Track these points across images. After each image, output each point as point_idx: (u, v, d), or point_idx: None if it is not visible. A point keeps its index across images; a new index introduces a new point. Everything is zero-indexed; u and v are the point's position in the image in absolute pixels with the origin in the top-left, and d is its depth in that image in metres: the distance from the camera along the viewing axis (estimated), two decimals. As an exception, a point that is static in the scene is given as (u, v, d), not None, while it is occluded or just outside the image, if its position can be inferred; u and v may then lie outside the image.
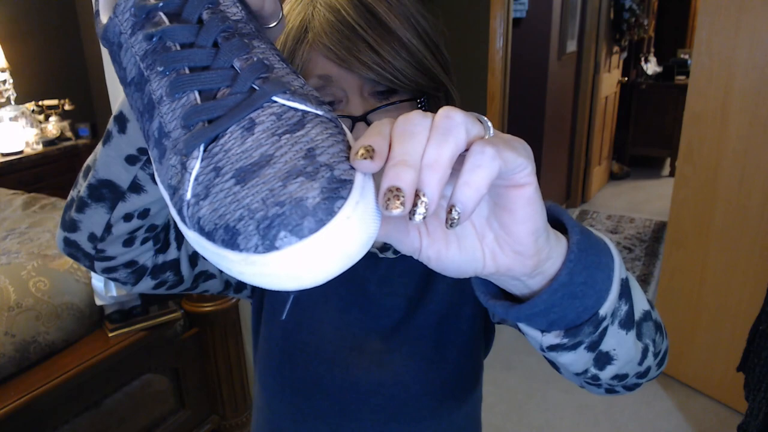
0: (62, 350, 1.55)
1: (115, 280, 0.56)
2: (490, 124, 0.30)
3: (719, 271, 2.14)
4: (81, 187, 0.49)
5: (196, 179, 0.29)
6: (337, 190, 0.26)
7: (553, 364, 0.42)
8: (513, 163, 0.28)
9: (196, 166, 0.29)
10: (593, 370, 0.38)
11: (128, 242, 0.52)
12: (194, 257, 0.60)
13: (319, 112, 0.30)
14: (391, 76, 0.51)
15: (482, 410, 0.73)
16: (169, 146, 0.31)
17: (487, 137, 0.29)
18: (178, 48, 0.31)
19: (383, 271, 0.63)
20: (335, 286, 0.64)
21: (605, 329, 0.36)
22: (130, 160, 0.45)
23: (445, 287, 0.63)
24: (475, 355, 0.65)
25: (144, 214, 0.50)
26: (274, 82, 0.30)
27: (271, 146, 0.28)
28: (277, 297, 0.65)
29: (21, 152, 3.03)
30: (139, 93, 0.33)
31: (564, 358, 0.37)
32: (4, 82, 3.09)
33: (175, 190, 0.30)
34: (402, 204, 0.26)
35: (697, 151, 2.12)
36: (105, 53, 1.81)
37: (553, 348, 0.36)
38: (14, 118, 3.07)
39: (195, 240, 0.29)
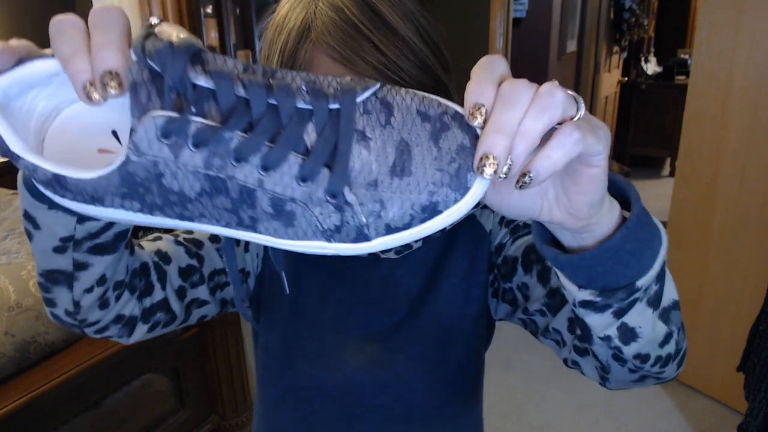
0: (62, 350, 1.55)
1: (109, 337, 0.56)
2: (583, 105, 0.33)
3: (719, 271, 2.14)
4: (37, 275, 0.50)
5: (361, 205, 0.32)
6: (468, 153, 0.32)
7: (582, 328, 0.44)
8: (593, 149, 0.32)
9: (353, 197, 0.31)
10: (616, 342, 0.40)
11: (103, 305, 0.52)
12: (181, 290, 0.59)
13: (372, 87, 0.33)
14: (395, 76, 0.51)
15: (483, 409, 0.73)
16: (299, 208, 0.32)
17: (577, 118, 0.32)
18: (241, 133, 0.31)
19: (385, 271, 0.63)
20: (334, 290, 0.64)
21: (634, 301, 0.38)
22: (58, 249, 0.45)
23: (450, 288, 0.63)
24: (478, 354, 0.66)
25: (101, 281, 0.49)
26: (343, 91, 0.32)
27: (390, 138, 0.32)
28: (274, 302, 0.65)
29: (21, 152, 3.03)
30: (219, 196, 0.32)
31: (590, 318, 0.39)
32: (4, 82, 3.09)
33: (337, 229, 0.32)
34: (495, 170, 0.30)
35: (697, 151, 2.12)
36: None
37: (584, 304, 0.39)
38: (14, 118, 3.07)
39: (384, 242, 0.33)
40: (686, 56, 5.43)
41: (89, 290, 0.49)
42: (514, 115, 0.30)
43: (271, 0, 2.71)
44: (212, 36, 2.52)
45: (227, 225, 0.34)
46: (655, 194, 4.79)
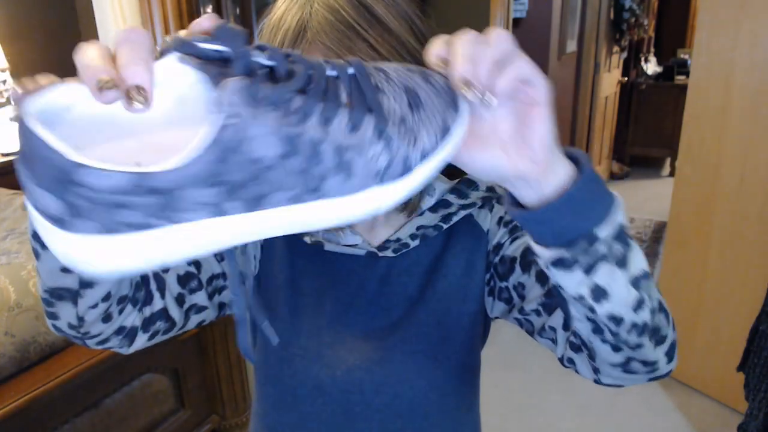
0: (62, 350, 1.55)
1: (110, 348, 0.57)
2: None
3: (719, 271, 2.14)
4: (41, 290, 0.50)
5: (400, 137, 0.38)
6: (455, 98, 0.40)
7: (560, 301, 0.47)
8: (532, 75, 0.40)
9: (394, 131, 0.38)
10: (589, 300, 0.43)
11: (106, 319, 0.52)
12: (180, 297, 0.60)
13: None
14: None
15: (482, 411, 0.74)
16: (355, 155, 0.37)
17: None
18: (302, 95, 0.36)
19: (383, 270, 0.64)
20: (331, 290, 0.64)
21: (600, 257, 0.41)
22: (66, 269, 0.46)
23: (447, 287, 0.64)
24: (476, 351, 0.67)
25: (106, 297, 0.50)
26: (350, 62, 0.38)
27: (396, 86, 0.39)
28: (272, 303, 0.65)
29: (21, 152, 3.03)
30: (293, 157, 0.35)
31: (563, 279, 0.43)
32: (4, 82, 3.09)
33: (387, 167, 0.38)
34: (472, 92, 0.37)
35: (697, 151, 2.12)
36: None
37: (555, 264, 0.42)
38: (14, 118, 3.07)
39: (422, 172, 0.39)
40: (686, 56, 5.43)
41: (94, 306, 0.50)
42: (473, 49, 0.38)
43: (271, 0, 2.72)
44: (212, 36, 2.53)
45: (297, 197, 0.36)
46: (655, 194, 4.79)
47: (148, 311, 0.57)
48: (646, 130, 5.33)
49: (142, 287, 0.56)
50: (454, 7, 2.48)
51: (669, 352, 0.50)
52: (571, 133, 4.30)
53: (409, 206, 0.62)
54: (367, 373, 0.61)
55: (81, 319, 0.51)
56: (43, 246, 0.44)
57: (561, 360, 0.56)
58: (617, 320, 0.44)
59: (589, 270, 0.42)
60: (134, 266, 0.35)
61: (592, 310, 0.44)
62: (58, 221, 0.33)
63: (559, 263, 0.42)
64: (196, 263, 0.61)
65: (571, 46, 3.82)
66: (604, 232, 0.41)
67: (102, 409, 1.57)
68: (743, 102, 1.95)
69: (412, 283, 0.64)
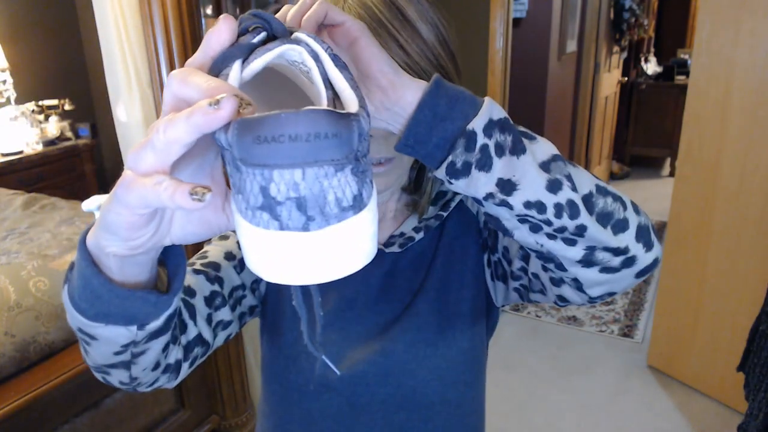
0: (62, 350, 1.55)
1: (159, 387, 0.57)
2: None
3: (719, 271, 2.14)
4: (91, 364, 0.50)
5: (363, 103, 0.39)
6: None
7: (494, 223, 0.48)
8: (339, 17, 0.42)
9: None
10: (500, 195, 0.43)
11: (155, 367, 0.52)
12: (209, 317, 0.60)
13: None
14: (416, 76, 0.51)
15: None
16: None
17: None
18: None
19: (388, 265, 0.65)
20: (336, 287, 0.63)
21: (487, 151, 0.42)
22: (119, 353, 0.46)
23: (444, 273, 0.65)
24: (479, 338, 0.66)
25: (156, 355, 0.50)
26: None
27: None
28: (278, 302, 0.66)
29: (21, 152, 3.03)
30: None
31: (469, 188, 0.43)
32: (4, 82, 3.09)
33: (366, 136, 0.36)
34: None
35: (697, 151, 2.12)
36: (105, 53, 1.81)
37: (449, 173, 0.43)
38: (14, 118, 3.07)
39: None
40: (686, 56, 5.43)
41: (145, 368, 0.51)
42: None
43: (271, 0, 2.71)
44: (212, 36, 2.52)
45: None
46: (655, 194, 4.79)
47: (184, 340, 0.57)
48: (646, 130, 5.32)
49: (177, 320, 0.57)
50: (454, 7, 2.48)
51: (641, 238, 0.49)
52: (571, 133, 4.30)
53: (420, 206, 0.64)
54: (371, 366, 0.62)
55: (134, 378, 0.51)
56: (92, 338, 0.44)
57: (555, 304, 0.58)
58: (538, 206, 0.44)
59: (483, 166, 0.42)
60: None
61: (508, 205, 0.44)
62: (355, 203, 0.32)
63: (452, 173, 0.43)
64: (219, 279, 0.62)
65: (571, 46, 3.82)
66: (479, 124, 0.42)
67: (102, 409, 1.57)
68: (743, 102, 1.95)
69: (415, 276, 0.65)
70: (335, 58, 0.38)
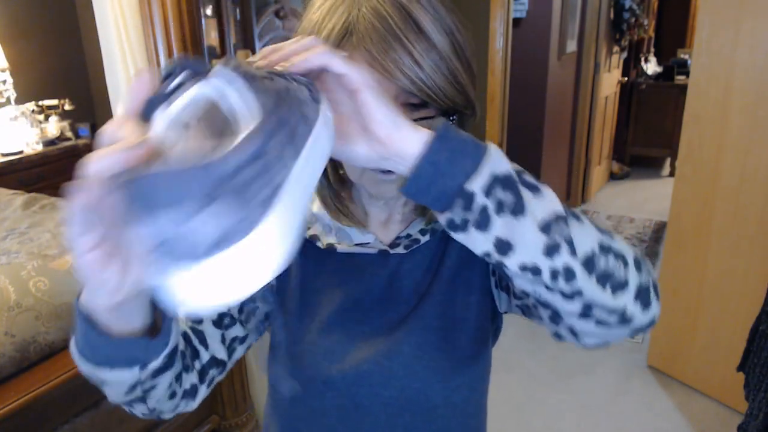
0: (62, 350, 1.55)
1: (180, 411, 0.61)
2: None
3: (719, 271, 2.14)
4: (111, 400, 0.55)
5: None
6: None
7: (501, 271, 0.48)
8: (341, 68, 0.42)
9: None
10: (496, 256, 0.44)
11: (172, 396, 0.57)
12: (222, 338, 0.63)
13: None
14: (430, 91, 0.52)
15: None
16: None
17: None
18: None
19: (393, 267, 0.65)
20: (341, 287, 0.65)
21: (484, 212, 0.42)
22: (129, 392, 0.52)
23: (451, 277, 0.65)
24: (483, 343, 0.66)
25: (169, 386, 0.55)
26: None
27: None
28: (284, 302, 0.67)
29: (21, 152, 3.03)
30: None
31: (468, 242, 0.44)
32: (4, 82, 3.09)
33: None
34: None
35: (697, 151, 2.12)
36: (105, 53, 1.81)
37: (449, 226, 0.44)
38: (14, 118, 3.07)
39: None
40: (686, 56, 5.43)
41: (161, 399, 0.55)
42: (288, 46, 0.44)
43: (271, 0, 2.71)
44: (212, 36, 2.52)
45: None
46: (655, 194, 4.79)
47: (198, 365, 0.60)
48: (646, 130, 5.32)
49: (188, 348, 0.60)
50: (455, 7, 2.48)
51: (640, 298, 0.48)
52: (571, 133, 4.30)
53: (428, 210, 0.64)
54: (376, 366, 0.62)
55: (153, 410, 0.57)
56: (103, 383, 0.50)
57: (553, 336, 0.58)
58: (533, 269, 0.44)
59: (481, 226, 0.43)
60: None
61: (504, 265, 0.44)
62: (220, 241, 0.34)
63: (452, 227, 0.44)
64: None
65: (571, 46, 3.82)
66: (478, 184, 0.42)
67: (102, 409, 1.57)
68: (743, 102, 1.95)
69: (420, 278, 0.65)
70: (250, 80, 0.38)
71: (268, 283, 0.63)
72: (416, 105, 0.54)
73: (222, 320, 0.63)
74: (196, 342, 0.60)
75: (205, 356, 0.61)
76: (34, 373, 1.45)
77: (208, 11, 2.48)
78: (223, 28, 2.39)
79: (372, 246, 0.64)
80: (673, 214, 2.26)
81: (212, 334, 0.62)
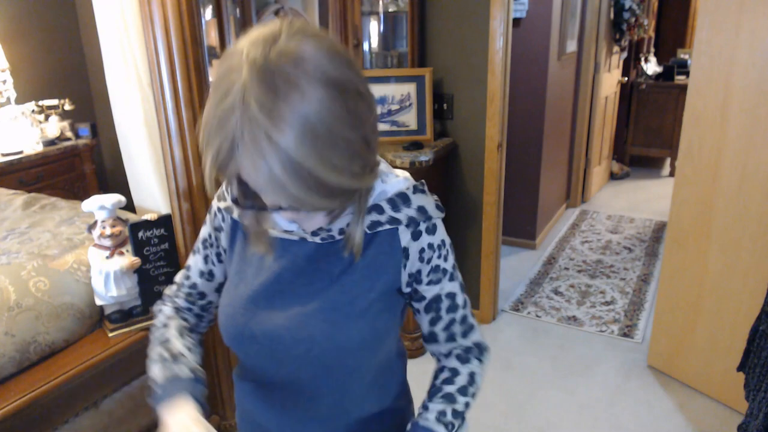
0: (62, 350, 1.55)
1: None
2: None
3: (719, 271, 2.14)
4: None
5: None
6: None
7: None
8: None
9: None
10: None
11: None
12: (216, 289, 0.92)
13: None
14: (303, 210, 0.62)
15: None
16: None
17: None
18: None
19: (310, 252, 0.76)
20: (270, 262, 0.78)
21: None
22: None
23: (359, 276, 0.75)
24: (383, 319, 0.78)
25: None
26: None
27: None
28: (230, 273, 0.85)
29: (21, 152, 3.03)
30: None
31: None
32: (4, 82, 3.09)
33: None
34: None
35: (697, 151, 2.12)
36: (105, 53, 1.81)
37: None
38: (14, 118, 3.07)
39: None
40: (686, 56, 5.43)
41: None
42: None
43: (271, 0, 2.71)
44: (212, 36, 2.51)
45: None
46: (655, 194, 4.79)
47: (208, 316, 0.94)
48: (646, 130, 5.33)
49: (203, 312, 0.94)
50: (454, 7, 2.48)
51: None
52: (571, 133, 4.30)
53: (359, 206, 0.72)
54: (287, 331, 0.75)
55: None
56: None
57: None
58: None
59: None
60: None
61: None
62: None
63: None
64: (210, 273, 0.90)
65: (571, 46, 3.82)
66: None
67: (102, 409, 1.57)
68: (743, 102, 1.95)
69: (333, 265, 0.76)
70: None
71: (221, 247, 0.85)
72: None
73: (211, 278, 0.90)
74: (203, 306, 0.93)
75: (208, 306, 0.93)
76: (34, 373, 1.45)
77: (208, 11, 2.48)
78: (223, 28, 2.39)
79: (295, 233, 0.75)
80: (673, 214, 2.27)
81: (210, 291, 0.91)
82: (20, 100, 3.17)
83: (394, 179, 0.75)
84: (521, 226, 3.77)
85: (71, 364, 1.48)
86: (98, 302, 1.61)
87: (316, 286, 0.76)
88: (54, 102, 3.22)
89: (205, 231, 0.87)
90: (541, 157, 3.58)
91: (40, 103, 3.20)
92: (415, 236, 0.74)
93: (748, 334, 1.48)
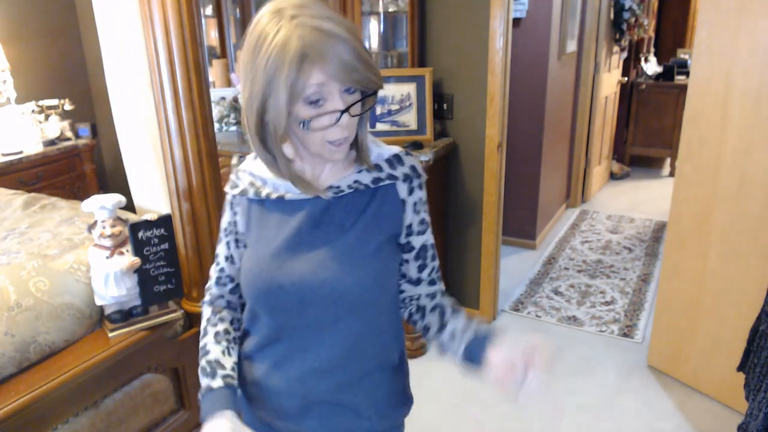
0: (62, 350, 1.55)
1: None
2: None
3: (719, 271, 2.14)
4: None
5: None
6: None
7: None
8: None
9: None
10: None
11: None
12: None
13: None
14: (368, 89, 0.79)
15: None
16: None
17: None
18: None
19: (324, 206, 0.88)
20: (287, 221, 0.89)
21: None
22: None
23: (367, 222, 0.88)
24: (389, 259, 0.92)
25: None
26: None
27: None
28: (249, 239, 0.94)
29: (21, 152, 3.03)
30: None
31: None
32: (4, 82, 3.09)
33: None
34: None
35: (697, 151, 2.12)
36: (105, 53, 1.81)
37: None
38: (14, 118, 3.07)
39: None
40: (686, 56, 5.43)
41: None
42: None
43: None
44: (212, 36, 2.52)
45: None
46: (655, 194, 4.79)
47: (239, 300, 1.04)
48: (646, 130, 5.33)
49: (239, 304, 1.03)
50: (454, 7, 2.48)
51: None
52: (571, 133, 4.30)
53: (360, 158, 0.89)
54: (313, 275, 0.86)
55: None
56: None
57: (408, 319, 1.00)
58: None
59: None
60: None
61: None
62: None
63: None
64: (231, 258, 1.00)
65: (571, 46, 3.82)
66: None
67: (102, 409, 1.57)
68: (743, 102, 1.95)
69: (344, 217, 0.88)
70: None
71: (238, 233, 0.96)
72: (352, 91, 0.78)
73: (233, 262, 0.99)
74: (232, 289, 1.02)
75: (236, 289, 1.01)
76: (34, 373, 1.45)
77: (208, 11, 2.48)
78: (223, 28, 2.39)
79: (312, 190, 0.88)
80: (673, 214, 2.26)
81: (236, 274, 0.99)
82: (20, 100, 3.17)
83: (386, 146, 0.91)
84: (521, 226, 3.77)
85: (71, 364, 1.48)
86: (98, 302, 1.61)
87: (332, 235, 0.88)
88: (54, 102, 3.22)
89: (224, 221, 0.98)
90: (541, 157, 3.58)
91: (40, 103, 3.20)
92: (410, 191, 0.90)
93: (748, 334, 1.48)
